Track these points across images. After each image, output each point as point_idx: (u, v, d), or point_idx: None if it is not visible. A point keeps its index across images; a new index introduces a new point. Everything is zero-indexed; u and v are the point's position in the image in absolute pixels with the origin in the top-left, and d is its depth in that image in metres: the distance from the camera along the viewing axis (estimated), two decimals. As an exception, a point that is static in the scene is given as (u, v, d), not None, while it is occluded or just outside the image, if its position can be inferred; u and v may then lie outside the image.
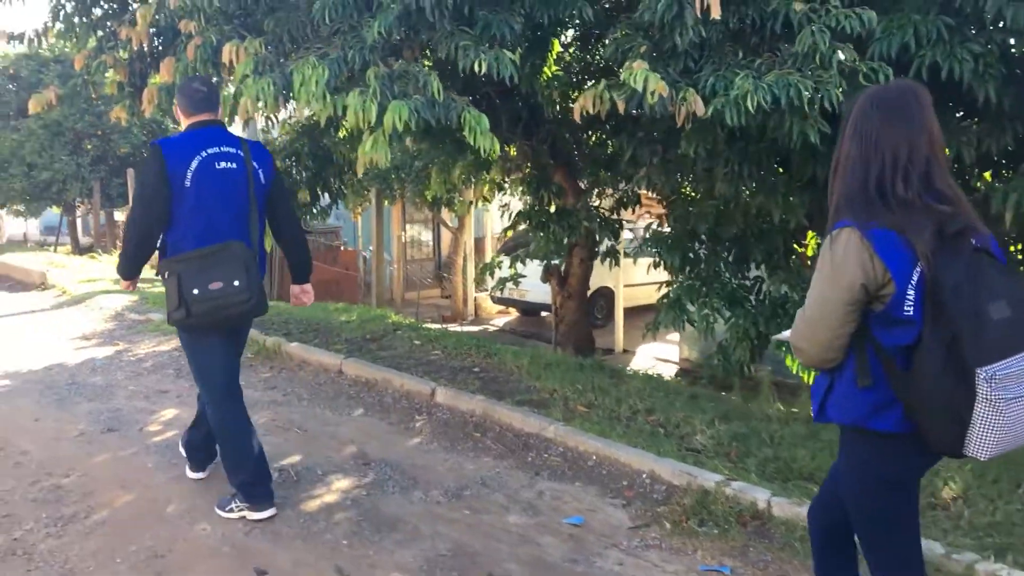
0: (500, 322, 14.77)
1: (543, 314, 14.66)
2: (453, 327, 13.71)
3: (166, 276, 3.64)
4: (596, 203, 8.20)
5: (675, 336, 12.71)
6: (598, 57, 6.92)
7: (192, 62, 4.76)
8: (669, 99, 4.25)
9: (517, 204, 12.81)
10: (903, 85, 2.19)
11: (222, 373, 3.81)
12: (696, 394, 5.91)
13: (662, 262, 6.52)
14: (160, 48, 6.00)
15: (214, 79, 4.83)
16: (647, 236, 6.72)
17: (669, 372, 10.47)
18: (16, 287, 12.07)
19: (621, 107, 4.52)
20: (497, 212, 14.41)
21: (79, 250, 18.94)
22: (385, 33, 4.42)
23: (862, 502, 2.23)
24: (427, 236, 18.60)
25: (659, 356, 12.01)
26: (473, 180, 9.85)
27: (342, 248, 14.07)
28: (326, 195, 8.63)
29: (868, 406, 2.10)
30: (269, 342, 7.04)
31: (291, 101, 4.84)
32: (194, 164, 3.59)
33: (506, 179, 9.17)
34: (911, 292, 1.98)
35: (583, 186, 8.23)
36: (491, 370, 6.18)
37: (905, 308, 1.99)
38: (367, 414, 5.46)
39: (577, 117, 4.52)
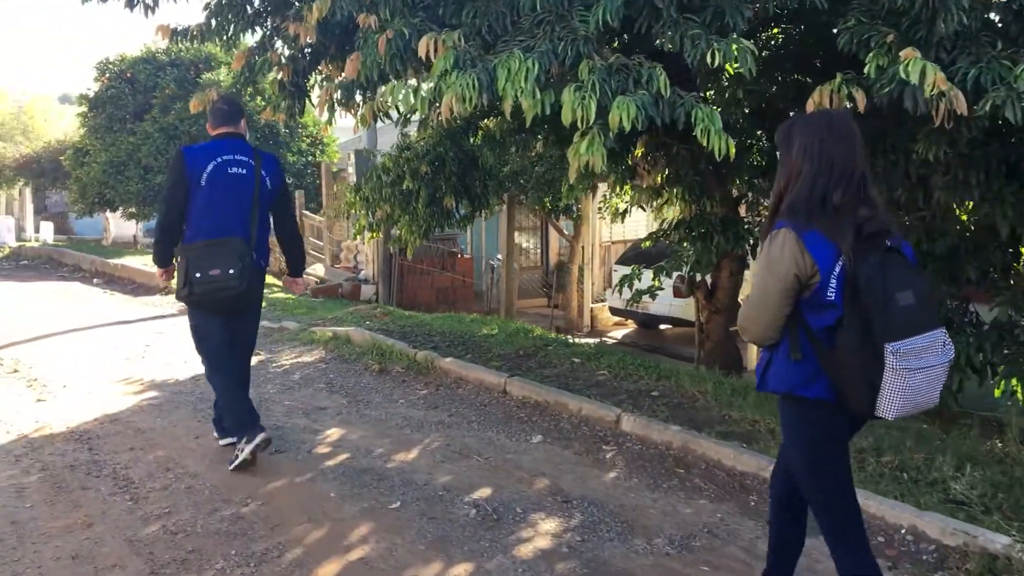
0: (618, 334, 14.23)
1: (661, 327, 14.08)
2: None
3: (178, 260, 4.44)
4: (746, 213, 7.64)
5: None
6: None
7: (382, 57, 4.38)
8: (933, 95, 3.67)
9: (639, 213, 12.33)
10: (842, 112, 2.79)
11: (215, 342, 4.57)
12: (904, 427, 5.27)
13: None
14: (326, 45, 5.67)
15: (407, 73, 4.44)
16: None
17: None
18: (139, 290, 12.06)
19: (861, 104, 3.97)
20: (604, 220, 13.96)
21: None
22: (603, 23, 3.95)
23: (802, 458, 2.61)
24: (532, 243, 18.15)
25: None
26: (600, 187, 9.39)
27: (459, 255, 13.71)
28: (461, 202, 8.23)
29: (799, 377, 2.49)
30: (420, 356, 6.66)
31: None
32: (209, 167, 4.33)
33: (649, 183, 8.64)
34: (833, 282, 2.38)
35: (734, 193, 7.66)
36: (671, 394, 5.66)
37: (828, 294, 2.40)
38: (547, 441, 5.00)
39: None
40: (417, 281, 12.84)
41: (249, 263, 4.37)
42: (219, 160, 4.38)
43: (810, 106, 4.06)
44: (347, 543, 3.65)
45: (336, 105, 5.19)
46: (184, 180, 4.36)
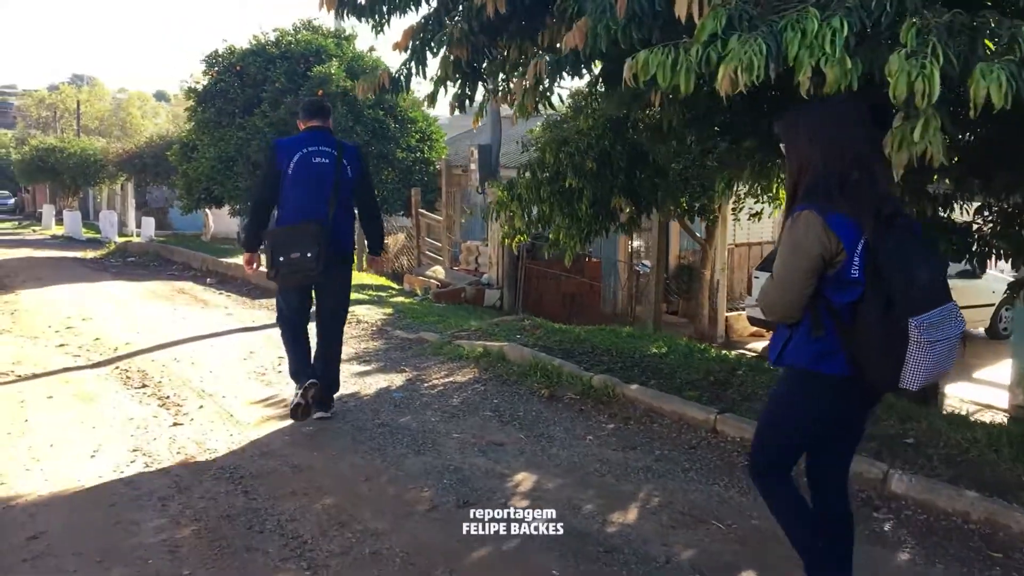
0: (757, 346, 13.09)
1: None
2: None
3: (266, 244, 5.01)
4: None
5: (993, 375, 10.70)
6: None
7: (621, 20, 3.48)
8: None
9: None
10: (849, 100, 2.82)
11: (292, 312, 5.18)
12: None
13: None
14: (506, 20, 4.77)
15: (650, 40, 3.52)
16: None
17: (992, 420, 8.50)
18: (255, 292, 11.47)
19: None
20: (738, 221, 12.85)
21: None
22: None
23: (785, 421, 2.80)
24: (648, 245, 17.05)
25: (973, 399, 10.01)
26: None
27: (588, 259, 12.74)
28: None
29: (819, 352, 2.59)
30: (596, 381, 5.75)
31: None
32: (296, 157, 4.85)
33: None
34: (856, 259, 2.49)
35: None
36: (930, 442, 4.60)
37: (852, 271, 2.50)
38: (794, 501, 4.01)
39: None
40: (543, 286, 11.93)
41: (326, 246, 4.82)
42: (305, 151, 4.91)
43: None
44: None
45: (539, 86, 4.28)
46: (275, 169, 4.96)
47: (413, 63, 4.98)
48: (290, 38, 17.40)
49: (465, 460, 4.59)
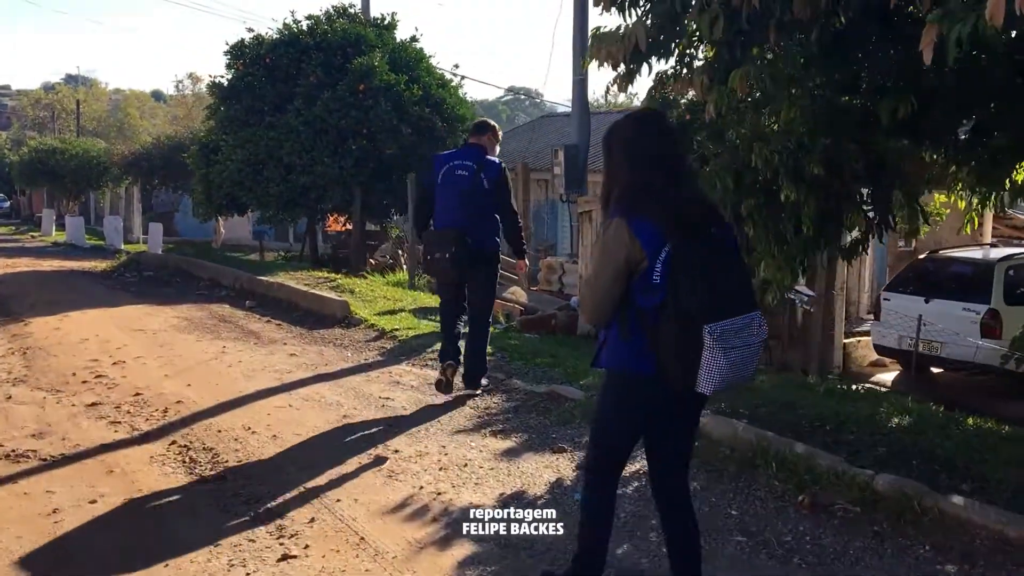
0: (886, 377, 11.39)
1: (934, 370, 11.18)
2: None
3: (421, 244, 6.78)
4: None
5: None
6: None
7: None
8: None
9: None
10: (655, 113, 3.25)
11: (442, 304, 6.19)
12: None
13: None
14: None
15: None
16: None
17: None
18: (308, 320, 9.64)
19: None
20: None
21: (317, 262, 16.87)
22: None
23: (604, 421, 3.01)
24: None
25: None
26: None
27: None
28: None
29: (628, 354, 2.74)
30: (883, 486, 4.01)
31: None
32: (444, 169, 5.82)
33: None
34: (659, 265, 2.61)
35: None
36: None
37: (654, 277, 2.62)
38: None
39: None
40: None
41: (464, 248, 5.60)
42: (451, 164, 5.81)
43: None
44: None
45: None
46: (430, 179, 6.00)
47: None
48: (325, 27, 15.60)
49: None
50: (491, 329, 6.55)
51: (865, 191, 5.24)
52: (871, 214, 5.68)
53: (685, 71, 5.21)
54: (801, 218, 5.03)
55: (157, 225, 21.46)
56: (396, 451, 4.99)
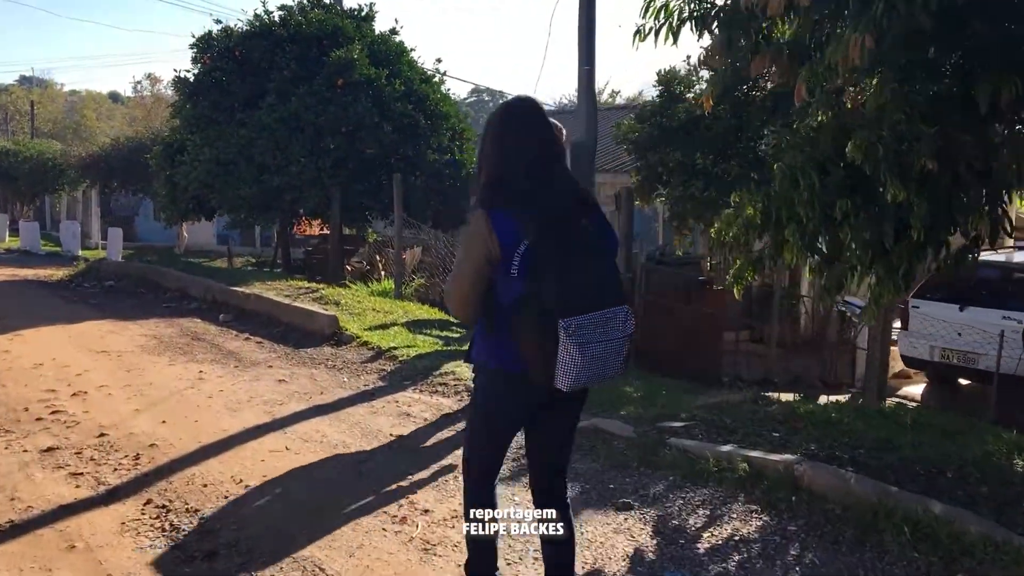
0: (913, 390, 10.66)
1: (962, 381, 10.48)
2: (838, 396, 9.76)
3: None
4: None
5: None
6: None
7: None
8: None
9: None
10: (529, 100, 2.83)
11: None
12: None
13: None
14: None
15: None
16: None
17: None
18: (291, 336, 8.67)
19: None
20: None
21: (290, 269, 15.84)
22: None
23: (476, 420, 2.86)
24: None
25: None
26: None
27: (709, 285, 10.11)
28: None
29: (493, 349, 2.66)
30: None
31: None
32: None
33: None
34: (516, 259, 2.52)
35: None
36: None
37: (512, 271, 2.54)
38: None
39: None
40: (659, 321, 9.28)
41: None
42: None
43: None
44: None
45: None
46: None
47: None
48: (299, 18, 14.56)
49: None
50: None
51: (983, 191, 4.41)
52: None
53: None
54: (910, 221, 4.19)
55: (116, 230, 20.14)
56: (426, 511, 4.08)
